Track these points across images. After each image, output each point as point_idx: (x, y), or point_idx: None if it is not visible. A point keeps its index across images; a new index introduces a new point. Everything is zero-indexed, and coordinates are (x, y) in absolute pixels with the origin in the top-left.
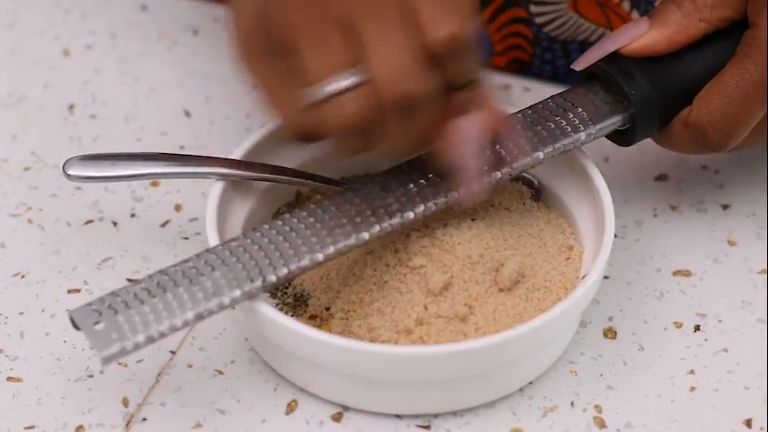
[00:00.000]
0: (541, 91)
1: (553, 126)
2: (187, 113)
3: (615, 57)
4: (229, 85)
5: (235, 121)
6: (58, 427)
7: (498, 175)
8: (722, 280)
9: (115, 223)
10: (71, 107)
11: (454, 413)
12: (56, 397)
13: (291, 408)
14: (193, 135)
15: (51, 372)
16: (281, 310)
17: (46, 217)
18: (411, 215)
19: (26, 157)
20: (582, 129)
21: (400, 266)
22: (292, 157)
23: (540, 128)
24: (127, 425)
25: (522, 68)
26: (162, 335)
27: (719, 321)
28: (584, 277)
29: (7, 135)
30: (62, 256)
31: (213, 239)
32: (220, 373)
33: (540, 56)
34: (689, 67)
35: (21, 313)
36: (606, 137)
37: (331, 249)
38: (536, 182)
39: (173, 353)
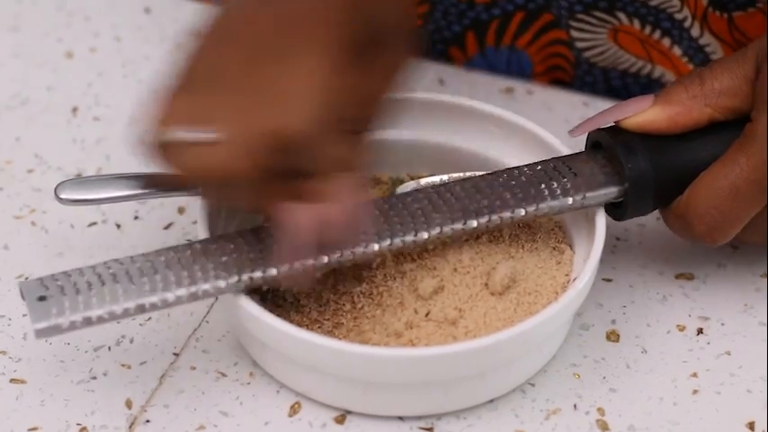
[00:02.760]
0: (544, 94)
1: (544, 187)
2: None
3: (621, 129)
4: None
5: None
6: (61, 428)
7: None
8: (725, 283)
9: (119, 226)
10: (75, 110)
11: (457, 416)
12: (59, 399)
13: (294, 410)
14: None
15: (55, 374)
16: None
17: (49, 219)
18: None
19: (29, 160)
20: (571, 194)
21: (390, 270)
22: None
23: (530, 187)
24: (130, 427)
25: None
26: (101, 319)
27: (722, 325)
28: (574, 280)
29: (11, 137)
30: (65, 259)
31: (203, 233)
32: (223, 375)
33: (580, 78)
34: (692, 153)
35: (24, 315)
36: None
37: (285, 269)
38: None
39: (176, 355)
